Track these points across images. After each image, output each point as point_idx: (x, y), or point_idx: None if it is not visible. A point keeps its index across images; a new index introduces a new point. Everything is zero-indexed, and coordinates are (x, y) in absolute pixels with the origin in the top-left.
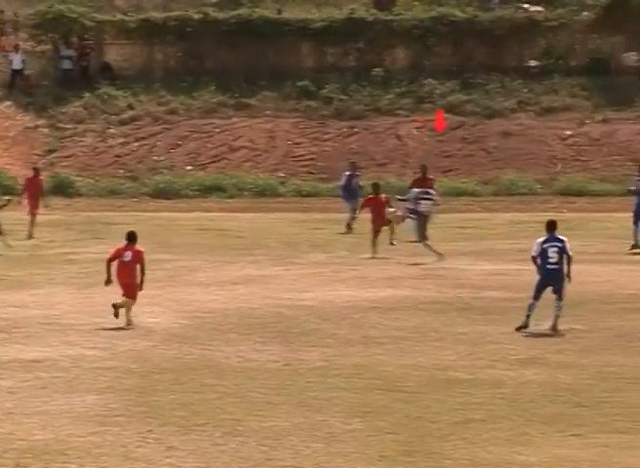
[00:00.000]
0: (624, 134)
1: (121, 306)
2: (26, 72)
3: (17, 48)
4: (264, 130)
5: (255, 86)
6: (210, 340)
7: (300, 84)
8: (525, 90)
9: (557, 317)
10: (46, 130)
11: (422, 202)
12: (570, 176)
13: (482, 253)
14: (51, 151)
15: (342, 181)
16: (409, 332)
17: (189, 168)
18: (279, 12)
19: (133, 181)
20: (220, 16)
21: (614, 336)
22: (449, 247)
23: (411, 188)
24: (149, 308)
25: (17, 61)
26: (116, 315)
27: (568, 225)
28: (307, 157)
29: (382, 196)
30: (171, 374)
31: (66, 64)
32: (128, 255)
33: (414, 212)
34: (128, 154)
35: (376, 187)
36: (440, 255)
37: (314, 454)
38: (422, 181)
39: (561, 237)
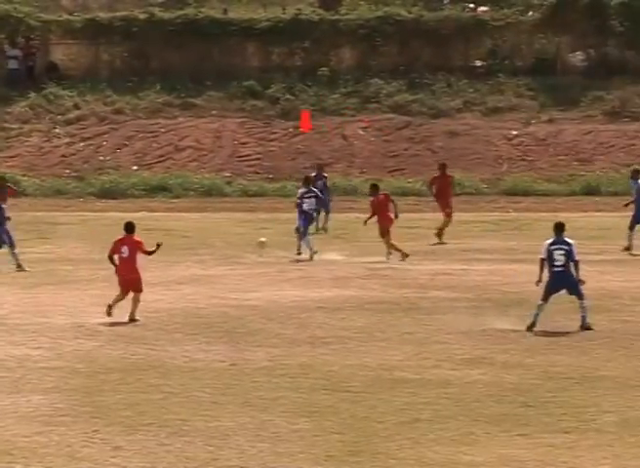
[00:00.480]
0: (570, 134)
1: (114, 305)
2: None
3: None
4: (210, 129)
5: (201, 86)
6: (156, 340)
7: (245, 84)
8: (471, 90)
9: (584, 317)
10: None
11: (306, 200)
12: (516, 176)
13: (428, 252)
14: None
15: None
16: (355, 332)
17: (135, 168)
18: (225, 12)
19: (79, 181)
20: (166, 16)
21: (559, 336)
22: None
23: (431, 185)
24: (95, 308)
25: None
26: (109, 314)
27: (514, 225)
28: (253, 157)
29: (382, 195)
30: (117, 374)
31: (12, 64)
32: (125, 251)
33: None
34: (74, 154)
35: (374, 188)
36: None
37: (260, 454)
38: (442, 178)
39: (568, 240)
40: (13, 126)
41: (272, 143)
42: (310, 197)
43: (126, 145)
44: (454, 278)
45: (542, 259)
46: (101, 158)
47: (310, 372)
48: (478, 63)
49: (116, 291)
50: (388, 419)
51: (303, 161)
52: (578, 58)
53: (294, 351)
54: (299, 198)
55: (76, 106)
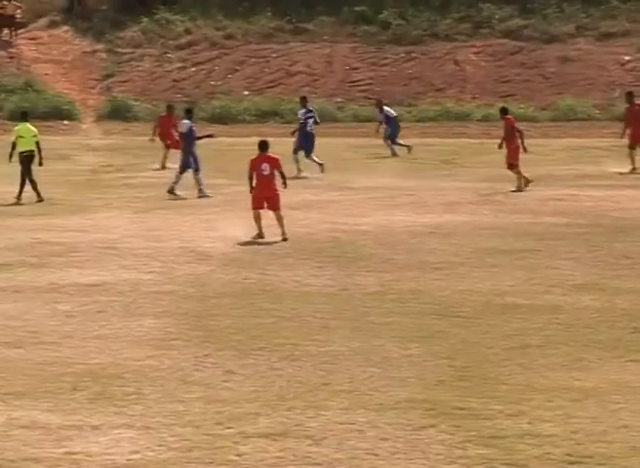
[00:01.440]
0: None
1: (260, 236)
2: None
3: None
4: (322, 55)
5: (312, 11)
6: (267, 265)
7: (357, 9)
8: (584, 14)
9: None
10: (104, 54)
11: (309, 121)
12: None
13: (540, 178)
14: (108, 76)
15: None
16: (466, 258)
17: (246, 93)
18: None
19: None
20: None
21: None
22: (504, 172)
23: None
24: (207, 233)
25: None
26: (261, 236)
27: (626, 151)
28: (365, 82)
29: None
30: (228, 299)
31: None
32: (266, 168)
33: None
34: (185, 79)
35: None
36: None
37: (370, 379)
38: (631, 107)
39: None
40: (125, 50)
41: (383, 68)
42: (311, 117)
43: (237, 70)
44: (565, 204)
45: None
46: (213, 83)
47: (421, 297)
48: None
49: (229, 214)
50: (499, 345)
51: (415, 86)
52: None
53: (404, 276)
54: (302, 119)
55: (187, 31)
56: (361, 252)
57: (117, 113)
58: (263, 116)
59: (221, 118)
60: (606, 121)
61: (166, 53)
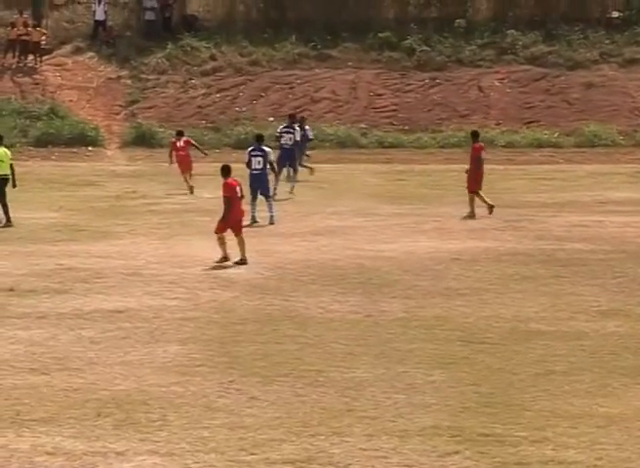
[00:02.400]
0: None
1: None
2: (109, 23)
3: None
4: (346, 81)
5: (337, 37)
6: (291, 291)
7: (381, 35)
8: (607, 41)
9: None
10: (128, 81)
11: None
12: None
13: (564, 204)
14: (133, 102)
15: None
16: (490, 284)
17: (271, 119)
18: None
19: (215, 132)
20: None
21: None
22: (531, 198)
23: None
24: (231, 259)
25: (99, 12)
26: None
27: None
28: (389, 108)
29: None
30: (252, 325)
31: (149, 15)
32: (239, 191)
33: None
34: (210, 105)
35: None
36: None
37: (395, 405)
38: None
39: None
40: (149, 77)
41: (408, 95)
42: (289, 132)
43: (262, 96)
44: (590, 230)
45: None
46: (237, 109)
47: (445, 324)
48: (615, 14)
49: (253, 240)
50: (524, 371)
51: (439, 112)
52: None
53: (429, 302)
54: (277, 133)
55: (212, 57)
56: (385, 278)
57: (141, 139)
58: None
59: (246, 144)
60: (630, 147)
61: (190, 79)
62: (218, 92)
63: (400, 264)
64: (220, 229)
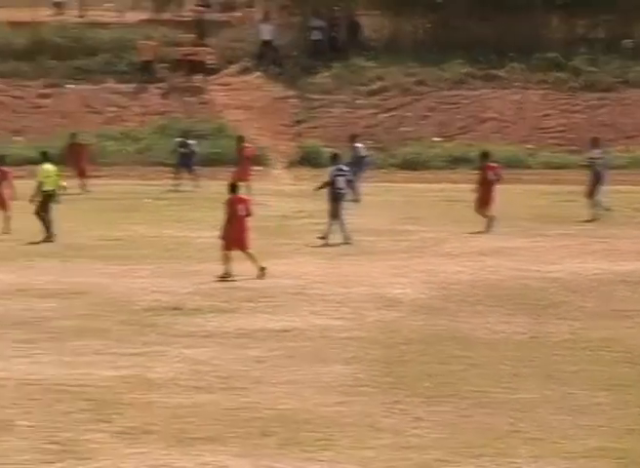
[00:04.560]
0: None
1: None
2: (276, 43)
3: (267, 16)
4: (513, 101)
5: (503, 57)
6: (457, 312)
7: (548, 56)
8: None
9: None
10: (295, 100)
11: (339, 179)
12: None
13: None
14: (299, 122)
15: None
16: None
17: (437, 139)
18: None
19: (381, 152)
20: None
21: None
22: None
23: None
24: (396, 279)
25: (266, 32)
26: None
27: None
28: (557, 129)
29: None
30: (417, 345)
31: (316, 35)
32: (242, 209)
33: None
34: (377, 125)
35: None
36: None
37: (561, 427)
38: None
39: None
40: (316, 96)
41: (575, 115)
42: (342, 175)
43: (428, 116)
44: None
45: None
46: (403, 129)
47: (612, 346)
48: None
49: (418, 260)
50: None
51: (606, 133)
52: None
53: (595, 324)
54: (331, 178)
55: (379, 77)
56: (552, 299)
57: (307, 159)
58: (454, 162)
59: (412, 164)
60: None
61: (357, 99)
62: (384, 111)
63: (566, 285)
64: (223, 247)
